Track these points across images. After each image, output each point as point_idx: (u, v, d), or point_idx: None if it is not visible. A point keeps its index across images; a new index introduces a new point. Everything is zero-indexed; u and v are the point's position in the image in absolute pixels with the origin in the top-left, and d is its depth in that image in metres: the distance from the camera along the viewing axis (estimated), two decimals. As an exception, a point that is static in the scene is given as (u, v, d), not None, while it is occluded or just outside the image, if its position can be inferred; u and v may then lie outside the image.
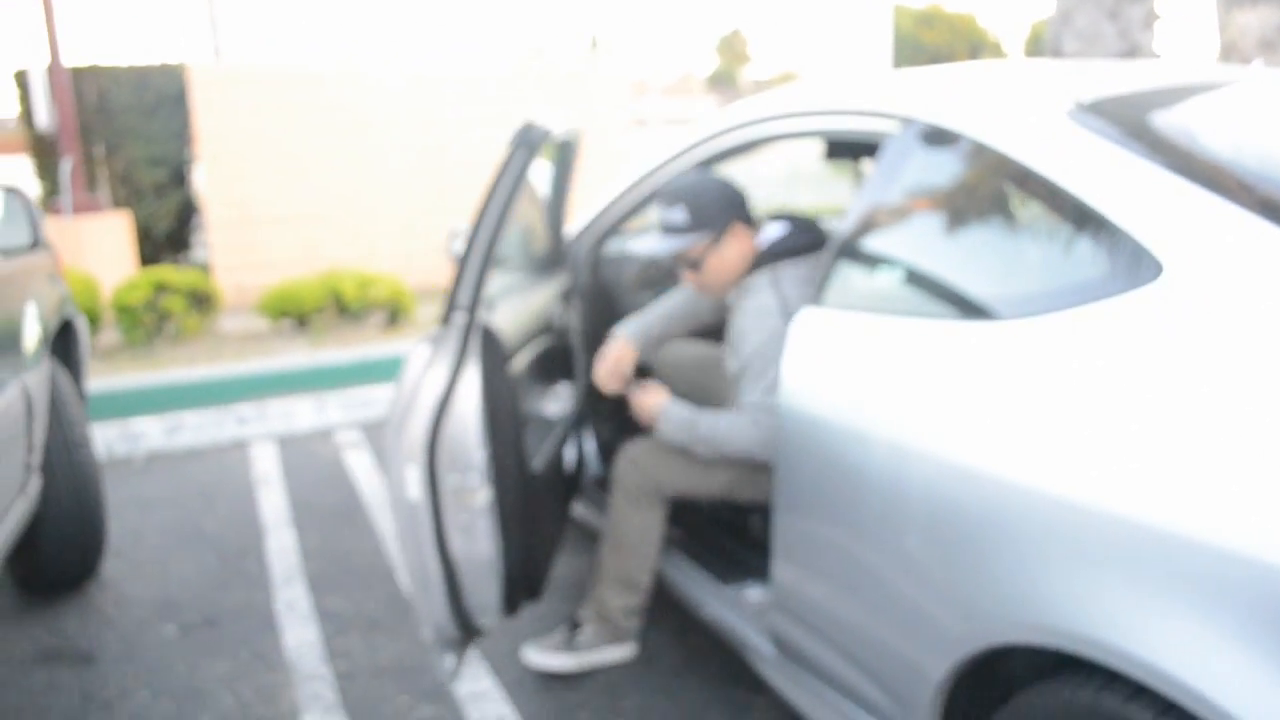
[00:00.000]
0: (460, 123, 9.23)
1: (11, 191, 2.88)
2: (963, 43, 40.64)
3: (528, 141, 2.25)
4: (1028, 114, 1.79)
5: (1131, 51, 5.04)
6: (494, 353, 2.24)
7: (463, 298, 2.17)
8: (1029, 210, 1.74)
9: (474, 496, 2.20)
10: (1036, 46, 33.87)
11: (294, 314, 6.90)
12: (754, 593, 2.52)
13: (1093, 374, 1.42)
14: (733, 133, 2.53)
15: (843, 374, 1.90)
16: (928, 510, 1.63)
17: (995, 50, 40.69)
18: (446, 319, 2.18)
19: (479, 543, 2.24)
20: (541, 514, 2.54)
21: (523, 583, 2.40)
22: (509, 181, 2.22)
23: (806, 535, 2.00)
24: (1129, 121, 1.71)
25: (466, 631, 2.35)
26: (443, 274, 8.73)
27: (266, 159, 8.54)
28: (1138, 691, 1.33)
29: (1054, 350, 1.49)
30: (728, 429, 2.36)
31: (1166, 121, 1.77)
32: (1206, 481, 1.23)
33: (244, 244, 8.55)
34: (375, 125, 8.90)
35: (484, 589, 2.29)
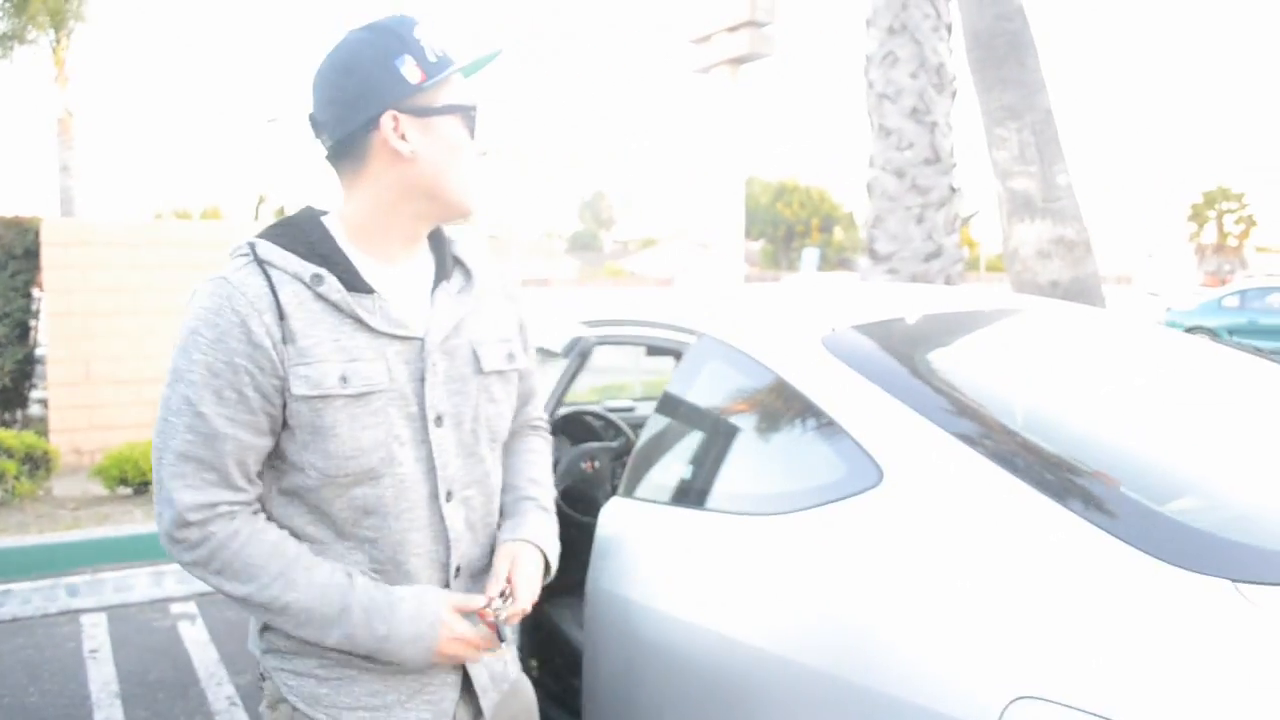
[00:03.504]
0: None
1: None
2: (816, 215, 42.45)
3: None
4: (791, 337, 2.12)
5: (936, 252, 5.61)
6: None
7: None
8: (790, 419, 2.04)
9: None
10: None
11: (133, 480, 6.78)
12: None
13: (828, 565, 1.71)
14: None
15: (640, 558, 2.14)
16: (706, 678, 1.85)
17: (848, 221, 42.60)
18: None
19: None
20: None
21: None
22: None
23: (615, 706, 2.19)
24: (871, 348, 2.05)
25: None
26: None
27: (112, 318, 8.48)
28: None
29: (800, 544, 1.77)
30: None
31: (904, 348, 2.13)
32: (922, 655, 1.50)
33: (85, 405, 8.39)
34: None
35: None
